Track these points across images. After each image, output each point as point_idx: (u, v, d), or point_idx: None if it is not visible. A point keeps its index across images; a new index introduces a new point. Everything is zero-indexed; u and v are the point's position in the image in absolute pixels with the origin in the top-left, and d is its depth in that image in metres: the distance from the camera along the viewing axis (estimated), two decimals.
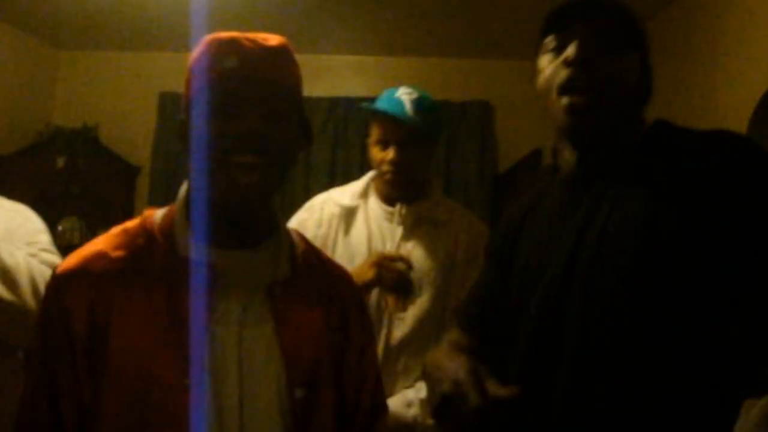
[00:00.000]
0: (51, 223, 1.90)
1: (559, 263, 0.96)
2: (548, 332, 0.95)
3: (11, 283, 1.30)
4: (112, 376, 0.86)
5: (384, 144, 1.66)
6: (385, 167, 1.66)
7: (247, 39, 0.92)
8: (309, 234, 1.69)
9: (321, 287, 1.03)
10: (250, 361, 0.91)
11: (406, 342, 1.65)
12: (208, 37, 0.95)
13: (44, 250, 1.43)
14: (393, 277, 1.56)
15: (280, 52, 0.95)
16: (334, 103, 3.93)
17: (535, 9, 3.05)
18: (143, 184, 3.95)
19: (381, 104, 1.68)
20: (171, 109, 3.85)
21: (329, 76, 3.94)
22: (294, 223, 1.77)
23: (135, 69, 4.00)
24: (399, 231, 1.68)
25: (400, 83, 1.74)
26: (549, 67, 0.98)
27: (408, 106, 1.63)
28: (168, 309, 0.89)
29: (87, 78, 4.07)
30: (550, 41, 0.99)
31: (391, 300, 1.59)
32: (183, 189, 1.01)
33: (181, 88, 0.98)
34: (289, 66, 0.96)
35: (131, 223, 0.99)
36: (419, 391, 1.63)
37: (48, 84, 4.06)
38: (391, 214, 1.71)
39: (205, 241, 0.93)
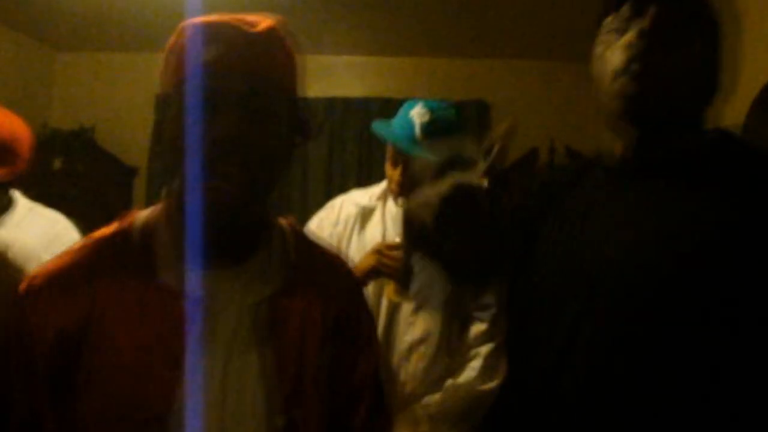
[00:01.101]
0: None
1: (593, 259, 0.94)
2: (572, 332, 0.93)
3: None
4: (90, 394, 0.77)
5: (394, 163, 1.67)
6: (393, 186, 1.68)
7: (230, 26, 0.80)
8: (326, 231, 1.74)
9: (317, 284, 0.92)
10: (234, 394, 0.81)
11: (415, 346, 1.66)
12: (184, 23, 0.83)
13: None
14: (393, 264, 1.57)
15: (268, 38, 0.82)
16: (332, 103, 3.93)
17: (533, 8, 3.08)
18: (140, 185, 3.96)
19: (394, 122, 1.68)
20: None
21: (326, 76, 3.94)
22: (314, 221, 1.80)
23: (132, 70, 4.00)
24: None
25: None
26: (607, 50, 0.95)
27: (417, 130, 1.60)
28: (142, 337, 0.79)
29: (84, 79, 4.07)
30: (609, 22, 0.96)
31: (390, 288, 1.60)
32: (165, 195, 0.89)
33: None
34: (278, 55, 0.83)
35: (107, 231, 0.87)
36: (427, 407, 1.63)
37: (45, 85, 4.05)
38: None
39: (186, 264, 0.82)
